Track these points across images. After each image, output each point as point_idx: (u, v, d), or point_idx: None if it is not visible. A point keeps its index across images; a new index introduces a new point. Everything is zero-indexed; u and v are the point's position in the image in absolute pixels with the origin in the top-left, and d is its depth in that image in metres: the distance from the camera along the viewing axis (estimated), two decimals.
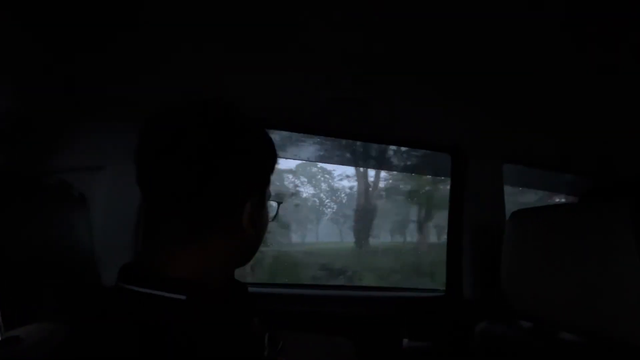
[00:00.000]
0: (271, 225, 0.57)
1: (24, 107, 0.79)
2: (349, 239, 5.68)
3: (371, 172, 5.14)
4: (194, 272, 0.43)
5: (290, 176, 5.57)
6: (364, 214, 5.41)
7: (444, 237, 1.19)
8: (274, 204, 0.59)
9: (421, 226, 5.29)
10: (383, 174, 5.07)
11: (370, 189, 5.38)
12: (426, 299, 1.13)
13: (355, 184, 5.67)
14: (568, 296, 0.69)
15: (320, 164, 5.68)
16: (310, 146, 1.27)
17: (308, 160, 1.41)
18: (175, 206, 0.43)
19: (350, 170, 5.45)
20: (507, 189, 1.21)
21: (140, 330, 0.36)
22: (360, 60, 0.91)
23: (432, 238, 5.11)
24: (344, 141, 1.25)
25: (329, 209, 6.19)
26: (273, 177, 0.54)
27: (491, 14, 0.70)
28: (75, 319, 0.41)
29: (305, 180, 5.87)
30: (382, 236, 5.81)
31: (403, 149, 1.30)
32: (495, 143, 1.18)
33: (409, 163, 1.43)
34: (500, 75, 0.96)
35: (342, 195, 6.09)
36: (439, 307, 1.11)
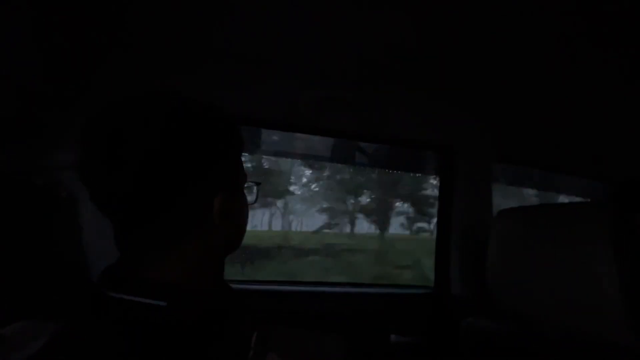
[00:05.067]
0: None
1: (11, 105, 0.79)
2: None
3: None
4: (175, 274, 0.43)
5: None
6: None
7: None
8: (252, 186, 0.57)
9: None
10: None
11: None
12: (415, 295, 1.15)
13: None
14: (550, 293, 0.70)
15: None
16: (293, 142, 1.27)
17: (290, 157, 1.41)
18: (138, 218, 0.41)
19: None
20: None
21: (122, 337, 0.36)
22: (352, 60, 0.92)
23: None
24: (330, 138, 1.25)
25: None
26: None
27: (484, 14, 0.71)
28: (60, 320, 0.41)
29: None
30: None
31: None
32: (484, 142, 1.19)
33: (397, 161, 1.44)
34: (489, 74, 0.96)
35: None
36: (427, 303, 1.12)
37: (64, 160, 0.84)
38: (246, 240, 0.53)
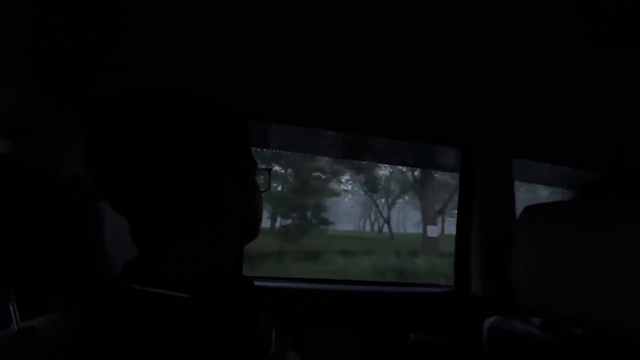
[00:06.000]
0: None
1: (37, 99, 0.80)
2: None
3: None
4: (195, 266, 0.43)
5: None
6: None
7: None
8: (264, 173, 0.56)
9: None
10: None
11: None
12: (434, 294, 1.13)
13: None
14: (579, 292, 0.68)
15: None
16: (312, 139, 1.26)
17: (309, 153, 1.41)
18: (148, 215, 0.41)
19: None
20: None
21: (147, 328, 0.36)
22: (371, 54, 0.91)
23: None
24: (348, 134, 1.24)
25: None
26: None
27: (503, 10, 0.69)
28: (86, 312, 0.41)
29: None
30: None
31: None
32: (505, 138, 1.16)
33: (417, 157, 1.42)
34: (510, 71, 0.94)
35: None
36: (448, 302, 1.10)
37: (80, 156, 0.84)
38: None
